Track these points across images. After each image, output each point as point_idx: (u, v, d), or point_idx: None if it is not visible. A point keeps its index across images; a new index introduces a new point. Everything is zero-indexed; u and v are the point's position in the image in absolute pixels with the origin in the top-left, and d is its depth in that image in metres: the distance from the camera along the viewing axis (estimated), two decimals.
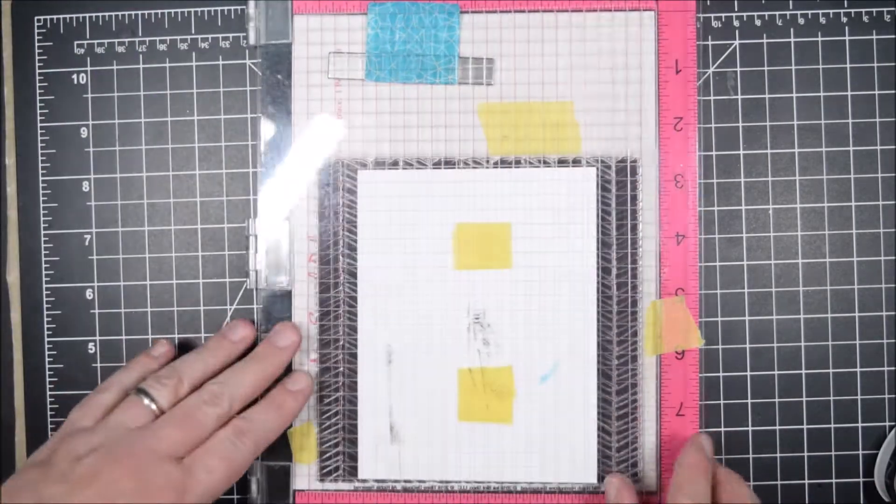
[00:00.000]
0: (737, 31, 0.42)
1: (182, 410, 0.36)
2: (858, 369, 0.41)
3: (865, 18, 0.41)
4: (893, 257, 0.41)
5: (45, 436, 0.43)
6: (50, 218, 0.43)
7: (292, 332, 0.40)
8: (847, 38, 0.41)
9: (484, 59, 0.41)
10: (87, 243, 0.43)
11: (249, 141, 0.43)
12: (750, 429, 0.41)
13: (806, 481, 0.41)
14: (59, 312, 0.43)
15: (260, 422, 0.37)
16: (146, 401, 0.36)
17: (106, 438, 0.35)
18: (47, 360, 0.43)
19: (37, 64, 0.43)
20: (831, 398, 0.41)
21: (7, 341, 0.43)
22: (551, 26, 0.41)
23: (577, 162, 0.41)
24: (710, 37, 0.42)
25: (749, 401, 0.41)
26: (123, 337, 0.43)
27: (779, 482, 0.41)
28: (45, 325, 0.43)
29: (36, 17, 0.43)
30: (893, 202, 0.41)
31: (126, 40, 0.43)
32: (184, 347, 0.42)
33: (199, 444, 0.35)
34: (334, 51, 0.41)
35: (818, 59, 0.42)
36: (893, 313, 0.41)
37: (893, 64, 0.41)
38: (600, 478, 0.41)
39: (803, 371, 0.41)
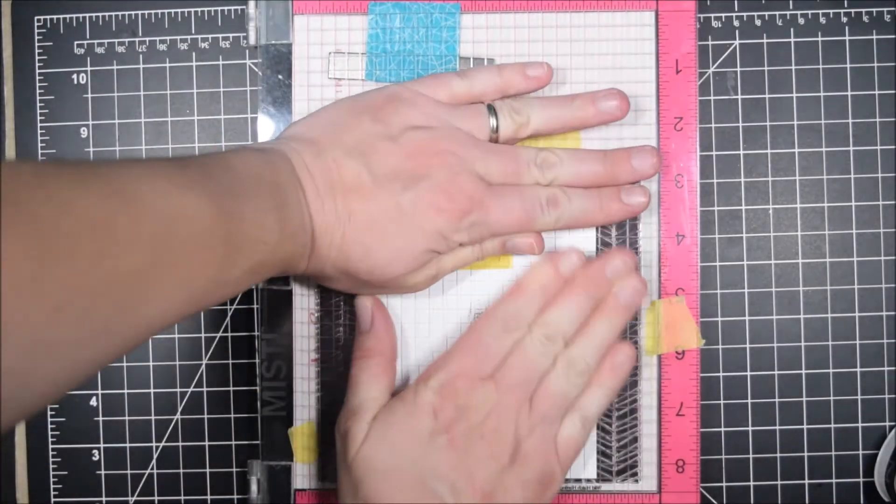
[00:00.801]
0: (737, 31, 0.42)
1: (510, 155, 0.37)
2: (858, 369, 0.41)
3: (865, 18, 0.41)
4: (893, 257, 0.41)
5: (46, 436, 0.43)
6: None
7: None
8: (847, 38, 0.42)
9: (484, 59, 0.41)
10: None
11: (250, 141, 0.43)
12: (750, 429, 0.41)
13: (806, 481, 0.41)
14: None
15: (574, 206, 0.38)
16: (490, 117, 0.37)
17: (438, 128, 0.36)
18: None
19: (37, 64, 0.43)
20: (831, 398, 0.41)
21: None
22: (552, 26, 0.41)
23: None
24: (710, 37, 0.42)
25: (749, 401, 0.41)
26: None
27: (779, 482, 0.41)
28: None
29: (36, 17, 0.43)
30: (893, 202, 0.41)
31: (126, 40, 0.43)
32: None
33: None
34: (335, 51, 0.41)
35: (818, 59, 0.42)
36: (893, 313, 0.41)
37: (893, 64, 0.41)
38: (600, 477, 0.41)
39: (803, 371, 0.41)
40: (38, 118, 0.43)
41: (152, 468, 0.43)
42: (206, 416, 0.43)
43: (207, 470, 0.43)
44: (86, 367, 0.26)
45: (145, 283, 0.26)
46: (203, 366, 0.43)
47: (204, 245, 0.29)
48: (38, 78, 0.43)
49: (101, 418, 0.43)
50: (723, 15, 0.42)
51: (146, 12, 0.43)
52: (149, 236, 0.26)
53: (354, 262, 0.35)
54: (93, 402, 0.43)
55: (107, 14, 0.43)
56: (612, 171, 0.38)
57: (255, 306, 0.42)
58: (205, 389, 0.42)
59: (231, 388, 0.43)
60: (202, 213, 0.29)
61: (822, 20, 0.42)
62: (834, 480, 0.41)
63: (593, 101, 0.38)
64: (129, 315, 0.26)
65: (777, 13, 0.42)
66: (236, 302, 0.42)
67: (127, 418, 0.43)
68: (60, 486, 0.43)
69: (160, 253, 0.27)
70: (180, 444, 0.43)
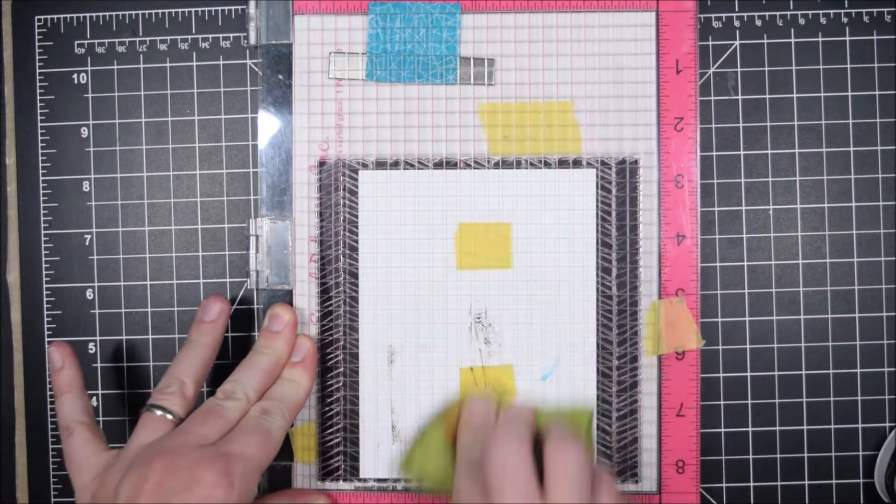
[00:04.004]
0: (737, 32, 0.42)
1: (202, 410, 0.36)
2: (858, 370, 0.41)
3: (866, 19, 0.41)
4: (894, 258, 0.41)
5: (46, 436, 0.43)
6: (50, 218, 0.43)
7: (285, 313, 0.40)
8: (847, 38, 0.41)
9: (485, 60, 0.41)
10: (87, 243, 0.43)
11: (250, 141, 0.43)
12: (750, 429, 0.41)
13: (806, 482, 0.41)
14: (59, 312, 0.43)
15: (280, 395, 0.37)
16: (159, 413, 0.36)
17: (133, 460, 0.34)
18: (47, 360, 0.43)
19: (37, 63, 0.43)
20: (831, 399, 0.41)
21: (7, 341, 0.43)
22: (552, 26, 0.41)
23: (577, 162, 0.41)
24: (710, 37, 0.42)
25: (749, 401, 0.41)
26: (124, 337, 0.43)
27: (779, 483, 0.41)
28: (46, 325, 0.43)
29: (36, 17, 0.43)
30: (894, 203, 0.41)
31: (126, 40, 0.43)
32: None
33: (227, 432, 0.35)
34: (335, 51, 0.41)
35: (819, 59, 0.42)
36: (893, 314, 0.41)
37: (894, 64, 0.41)
38: None
39: (803, 372, 0.41)
40: (39, 118, 0.43)
41: None
42: None
43: None
44: None
45: None
46: None
47: None
48: (38, 77, 0.43)
49: (101, 418, 0.43)
50: (723, 15, 0.42)
51: (147, 12, 0.43)
52: None
53: None
54: (93, 401, 0.43)
55: (107, 14, 0.43)
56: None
57: (255, 306, 0.42)
58: (205, 389, 0.42)
59: None
60: None
61: (823, 20, 0.42)
62: (834, 481, 0.41)
63: (201, 321, 0.39)
64: None
65: (777, 13, 0.42)
66: (236, 302, 0.42)
67: (127, 418, 0.43)
68: (60, 486, 0.43)
69: None
70: None
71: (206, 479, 0.32)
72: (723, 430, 0.41)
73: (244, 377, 0.37)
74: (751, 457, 0.41)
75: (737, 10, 0.42)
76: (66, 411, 0.38)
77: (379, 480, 0.41)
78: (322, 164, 0.41)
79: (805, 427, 0.41)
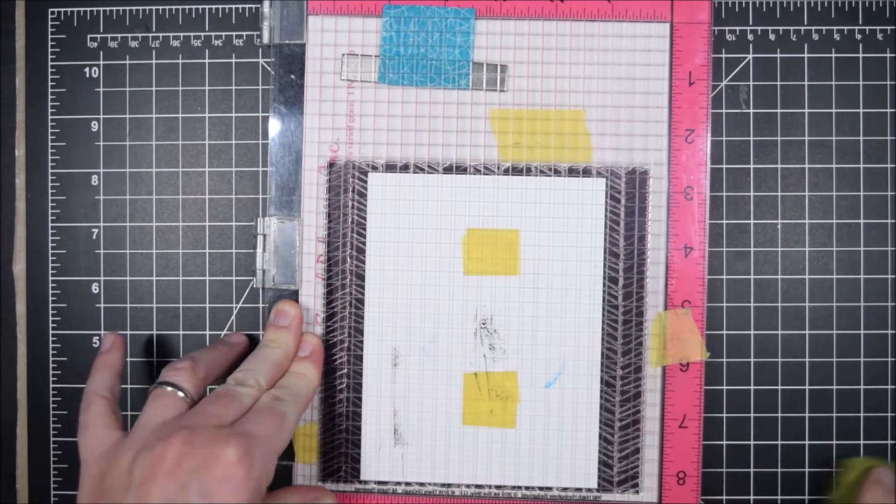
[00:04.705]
0: (751, 45, 0.42)
1: (216, 393, 0.35)
2: (862, 387, 0.41)
3: (880, 36, 0.41)
4: None
5: (47, 429, 0.43)
6: (58, 211, 0.43)
7: (291, 308, 0.40)
8: (861, 55, 0.41)
9: (498, 66, 0.41)
10: (94, 237, 0.43)
11: (260, 140, 0.43)
12: (752, 443, 0.41)
13: (806, 497, 0.41)
14: (64, 305, 0.43)
15: (290, 385, 0.37)
16: (169, 389, 0.35)
17: (147, 438, 0.33)
18: (51, 352, 0.43)
19: (49, 56, 0.43)
20: (834, 415, 0.41)
21: (11, 333, 0.43)
22: (566, 34, 0.41)
23: (587, 171, 0.41)
24: (723, 50, 0.42)
25: (752, 415, 0.41)
26: (128, 332, 0.43)
27: (779, 497, 0.41)
28: (50, 318, 0.43)
29: (50, 10, 0.43)
30: None
31: (139, 35, 0.43)
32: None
33: (240, 416, 0.34)
34: (348, 52, 0.41)
35: (831, 75, 0.42)
36: None
37: None
38: (601, 487, 0.41)
39: (807, 387, 0.41)
40: (50, 110, 0.43)
41: None
42: None
43: None
44: None
45: None
46: None
47: None
48: (50, 70, 0.43)
49: None
50: (737, 28, 0.42)
51: (160, 8, 0.43)
52: None
53: None
54: None
55: (121, 8, 0.43)
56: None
57: (260, 305, 0.42)
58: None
59: None
60: None
61: (837, 37, 0.42)
62: None
63: (221, 340, 0.41)
64: None
65: (791, 28, 0.42)
66: (242, 301, 0.42)
67: (129, 413, 0.43)
68: (61, 479, 0.43)
69: None
70: None
71: (227, 456, 0.31)
72: (724, 442, 0.41)
73: (255, 367, 0.37)
74: (752, 470, 0.41)
75: (751, 23, 0.42)
76: (93, 385, 0.37)
77: (380, 483, 0.41)
78: (332, 165, 0.41)
79: (807, 442, 0.41)
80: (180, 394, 0.35)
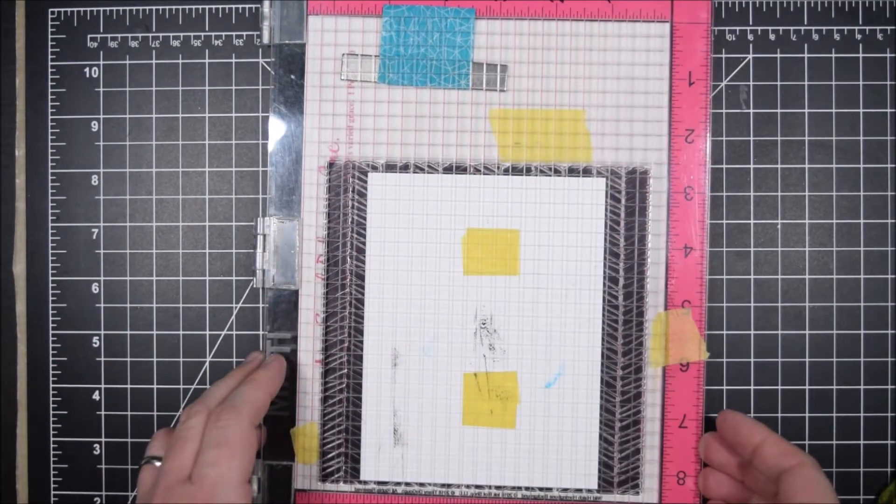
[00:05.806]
0: (751, 45, 0.42)
1: (170, 443, 0.35)
2: (862, 387, 0.41)
3: (880, 36, 0.41)
4: None
5: (47, 428, 0.43)
6: (58, 211, 0.43)
7: (259, 354, 0.41)
8: (861, 55, 0.41)
9: (498, 66, 0.41)
10: (94, 237, 0.43)
11: (260, 140, 0.43)
12: None
13: None
14: (64, 305, 0.43)
15: (235, 395, 0.36)
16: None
17: None
18: (51, 352, 0.43)
19: (49, 56, 0.43)
20: (834, 415, 0.41)
21: (11, 333, 0.43)
22: (566, 34, 0.41)
23: (587, 171, 0.41)
24: (723, 50, 0.42)
25: (752, 415, 0.41)
26: (128, 332, 0.43)
27: None
28: (50, 318, 0.43)
29: (50, 10, 0.43)
30: None
31: (139, 35, 0.43)
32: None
33: (197, 454, 0.35)
34: (348, 52, 0.41)
35: (831, 75, 0.42)
36: None
37: None
38: (601, 487, 0.41)
39: (807, 387, 0.41)
40: (50, 110, 0.43)
41: None
42: None
43: None
44: None
45: None
46: (207, 363, 0.43)
47: None
48: (50, 70, 0.43)
49: (103, 413, 0.43)
50: (737, 28, 0.42)
51: (160, 8, 0.43)
52: None
53: None
54: (95, 396, 0.43)
55: (121, 8, 0.43)
56: None
57: (260, 305, 0.42)
58: (208, 387, 0.42)
59: None
60: None
61: (837, 37, 0.42)
62: None
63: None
64: None
65: (791, 28, 0.42)
66: (242, 300, 0.42)
67: (129, 413, 0.43)
68: (60, 479, 0.43)
69: None
70: None
71: None
72: None
73: (209, 391, 0.37)
74: None
75: (751, 23, 0.42)
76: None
77: (379, 483, 0.41)
78: (332, 165, 0.41)
79: (807, 442, 0.41)
80: (157, 463, 0.36)
